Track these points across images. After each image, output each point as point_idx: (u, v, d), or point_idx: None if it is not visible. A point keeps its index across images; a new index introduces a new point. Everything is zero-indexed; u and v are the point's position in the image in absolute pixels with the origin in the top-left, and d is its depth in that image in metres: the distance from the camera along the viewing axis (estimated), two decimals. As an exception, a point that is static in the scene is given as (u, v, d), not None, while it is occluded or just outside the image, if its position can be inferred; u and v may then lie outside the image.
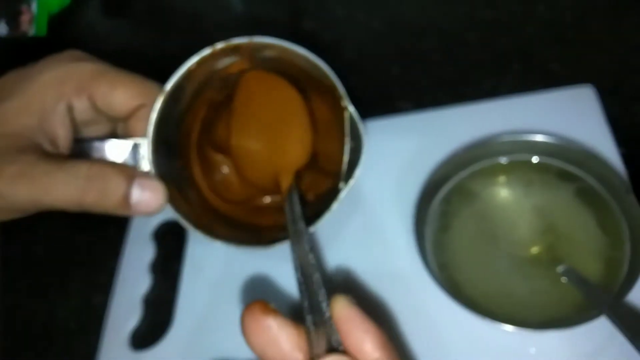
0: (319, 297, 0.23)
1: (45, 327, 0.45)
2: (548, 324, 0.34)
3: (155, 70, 0.33)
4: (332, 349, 0.22)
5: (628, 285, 0.32)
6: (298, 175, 0.35)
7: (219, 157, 0.38)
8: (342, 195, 0.33)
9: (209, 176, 0.38)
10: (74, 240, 0.49)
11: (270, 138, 0.36)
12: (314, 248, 0.39)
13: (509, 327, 0.32)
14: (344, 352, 0.22)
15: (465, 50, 0.51)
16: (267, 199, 0.38)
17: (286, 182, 0.34)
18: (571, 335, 0.34)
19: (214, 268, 0.43)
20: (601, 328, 0.32)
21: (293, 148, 0.36)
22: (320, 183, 0.37)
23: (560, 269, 0.35)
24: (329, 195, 0.34)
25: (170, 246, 0.45)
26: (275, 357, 0.23)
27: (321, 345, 0.22)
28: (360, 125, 0.33)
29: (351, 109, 0.33)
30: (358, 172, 0.33)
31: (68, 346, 0.43)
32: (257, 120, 0.36)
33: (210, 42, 0.32)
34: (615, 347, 0.33)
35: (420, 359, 0.35)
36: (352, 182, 0.33)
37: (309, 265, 0.25)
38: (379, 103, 0.49)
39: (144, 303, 0.43)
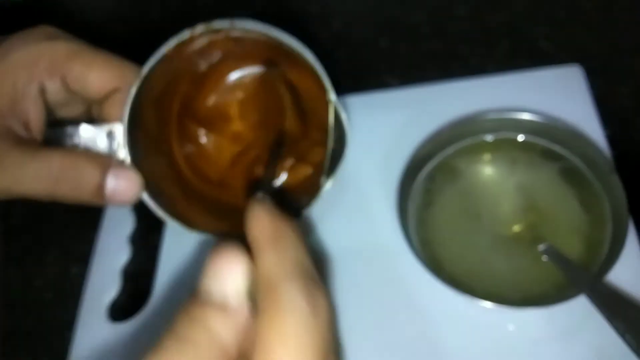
0: None
1: (21, 296, 0.44)
2: (527, 301, 0.34)
3: (139, 40, 0.32)
4: None
5: (608, 265, 0.33)
6: (280, 156, 0.35)
7: (201, 130, 0.37)
8: (323, 192, 0.33)
9: (190, 152, 0.37)
10: (52, 210, 0.48)
11: (254, 130, 0.36)
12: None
13: (488, 304, 0.33)
14: None
15: (455, 25, 0.51)
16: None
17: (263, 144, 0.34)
18: (550, 313, 0.34)
19: (194, 240, 0.42)
20: (580, 307, 0.33)
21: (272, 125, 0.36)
22: (302, 169, 0.36)
23: (541, 247, 0.35)
24: (310, 185, 0.34)
25: (150, 218, 0.44)
26: None
27: None
28: (345, 120, 0.32)
29: (336, 102, 0.32)
30: (339, 170, 0.33)
31: (44, 316, 0.43)
32: (242, 117, 0.37)
33: (194, 10, 0.31)
34: (594, 326, 0.33)
35: (400, 334, 0.36)
36: (331, 182, 0.33)
37: None
38: (365, 77, 0.49)
39: (123, 275, 0.42)
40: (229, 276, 0.22)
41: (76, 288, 0.42)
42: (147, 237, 0.44)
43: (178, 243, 0.43)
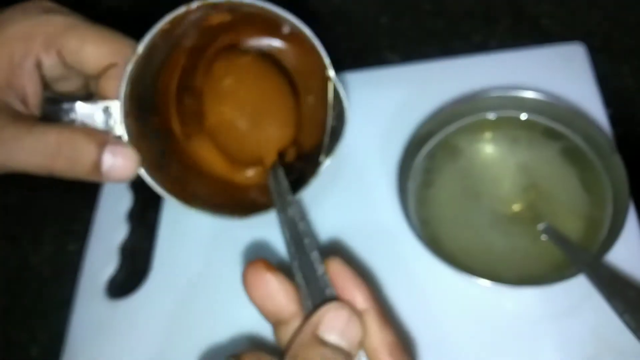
0: (310, 257, 0.25)
1: (19, 273, 0.44)
2: (526, 280, 0.34)
3: (136, 16, 0.31)
4: (326, 300, 0.24)
5: (608, 245, 0.33)
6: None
7: (199, 106, 0.37)
8: (322, 169, 0.32)
9: (188, 128, 0.36)
10: (49, 188, 0.48)
11: (253, 117, 0.35)
12: (304, 216, 0.39)
13: (487, 283, 0.33)
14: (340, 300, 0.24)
15: (456, 2, 0.50)
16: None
17: (269, 160, 0.34)
18: (548, 292, 0.34)
19: (192, 217, 0.42)
20: (578, 287, 0.33)
21: (277, 129, 0.35)
22: (303, 144, 0.36)
23: (540, 226, 0.35)
24: (309, 161, 0.33)
25: (148, 195, 0.44)
26: (274, 309, 0.25)
27: (315, 297, 0.24)
28: (345, 97, 0.32)
29: (335, 79, 0.31)
30: (338, 147, 0.32)
31: (42, 292, 0.43)
32: (239, 98, 0.35)
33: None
34: (592, 306, 0.33)
35: (399, 312, 0.36)
36: (330, 159, 0.32)
37: (297, 232, 0.27)
38: (366, 54, 0.48)
39: (121, 252, 0.42)
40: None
41: (74, 265, 0.42)
42: (144, 215, 0.44)
43: (176, 220, 0.42)
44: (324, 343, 0.23)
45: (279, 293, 0.25)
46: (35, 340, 0.42)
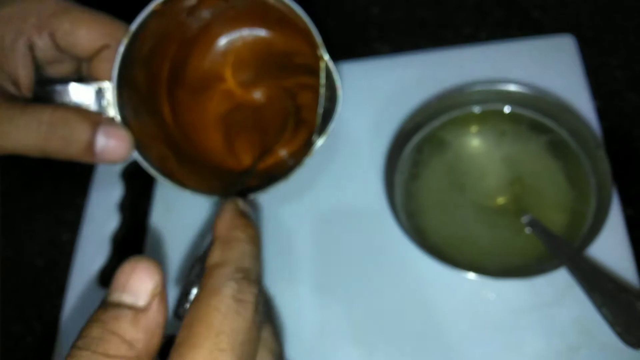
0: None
1: (13, 263, 0.44)
2: (509, 272, 0.34)
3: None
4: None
5: (590, 239, 0.33)
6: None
7: (192, 93, 0.37)
8: (315, 148, 0.32)
9: (180, 113, 0.37)
10: (41, 177, 0.48)
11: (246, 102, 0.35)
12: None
13: (470, 275, 0.33)
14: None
15: (448, -8, 0.50)
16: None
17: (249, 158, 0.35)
18: (530, 284, 0.35)
19: (184, 207, 0.43)
20: (560, 279, 0.33)
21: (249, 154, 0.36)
22: (296, 138, 0.36)
23: (524, 219, 0.36)
24: (303, 149, 0.33)
25: (139, 185, 0.45)
26: None
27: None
28: (337, 76, 0.32)
29: (327, 58, 0.32)
30: (332, 126, 0.32)
31: (36, 282, 0.43)
32: (230, 83, 0.36)
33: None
34: (573, 298, 0.34)
35: (384, 303, 0.36)
36: (324, 137, 0.32)
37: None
38: (356, 45, 0.48)
39: (113, 241, 0.42)
40: (136, 282, 0.22)
41: (67, 254, 0.42)
42: (136, 204, 0.44)
43: (167, 210, 0.43)
44: None
45: None
46: (30, 329, 0.43)
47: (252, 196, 0.33)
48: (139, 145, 0.31)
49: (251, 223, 0.27)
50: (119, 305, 0.21)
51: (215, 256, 0.25)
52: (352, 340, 0.36)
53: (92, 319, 0.21)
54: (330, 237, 0.39)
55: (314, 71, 0.32)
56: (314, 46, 0.32)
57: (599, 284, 0.31)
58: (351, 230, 0.39)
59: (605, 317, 0.30)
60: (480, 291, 0.36)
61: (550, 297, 0.35)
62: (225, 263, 0.24)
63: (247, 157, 0.37)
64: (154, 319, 0.21)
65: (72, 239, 0.43)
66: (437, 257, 0.34)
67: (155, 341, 0.21)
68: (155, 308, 0.21)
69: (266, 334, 0.26)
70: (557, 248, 0.34)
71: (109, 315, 0.21)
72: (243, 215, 0.27)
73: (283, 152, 0.36)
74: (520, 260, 0.35)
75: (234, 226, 0.26)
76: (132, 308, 0.21)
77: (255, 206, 0.41)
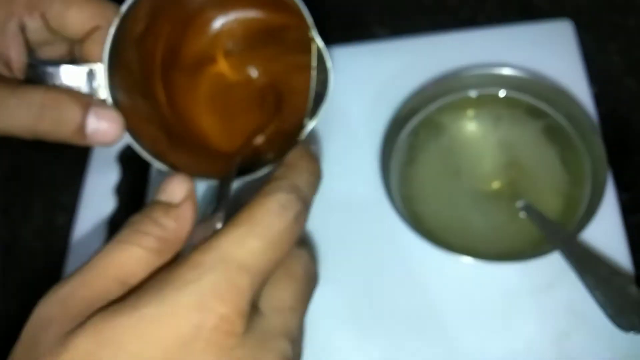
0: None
1: (9, 247, 0.45)
2: (504, 256, 0.35)
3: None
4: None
5: (584, 223, 0.33)
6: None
7: (186, 75, 0.37)
8: (307, 131, 0.32)
9: (173, 95, 0.36)
10: (34, 160, 0.48)
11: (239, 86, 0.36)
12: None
13: (465, 259, 0.33)
14: None
15: (446, -24, 0.49)
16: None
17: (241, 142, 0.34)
18: (525, 268, 0.35)
19: (180, 192, 0.43)
20: (555, 263, 0.33)
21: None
22: (289, 121, 0.36)
23: (519, 204, 0.36)
24: (295, 131, 0.33)
25: (135, 169, 0.44)
26: None
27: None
28: (328, 58, 0.32)
29: (318, 40, 0.31)
30: (323, 109, 0.32)
31: (33, 266, 0.44)
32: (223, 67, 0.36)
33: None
34: (567, 282, 0.34)
35: (379, 288, 0.37)
36: (315, 120, 0.32)
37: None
38: (354, 28, 0.48)
39: (109, 226, 0.42)
40: (172, 186, 0.27)
41: (63, 238, 0.42)
42: (132, 188, 0.44)
43: (163, 195, 0.43)
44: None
45: None
46: (27, 314, 0.43)
47: (246, 179, 0.33)
48: (130, 128, 0.31)
49: (317, 162, 0.29)
50: (158, 202, 0.26)
51: (278, 172, 0.27)
52: (348, 324, 0.36)
53: (137, 213, 0.26)
54: (325, 222, 0.39)
55: (306, 53, 0.32)
56: (306, 28, 0.31)
57: (592, 268, 0.31)
58: (347, 215, 0.39)
59: (597, 300, 0.30)
60: (475, 275, 0.36)
61: (544, 281, 0.35)
62: (284, 178, 0.27)
63: (240, 139, 0.37)
64: (183, 213, 0.26)
65: (68, 223, 0.43)
66: (433, 241, 0.34)
67: (185, 230, 0.26)
68: (185, 206, 0.26)
69: (304, 253, 0.29)
70: (550, 232, 0.34)
71: (148, 207, 0.26)
72: (312, 155, 0.30)
73: (275, 135, 0.36)
74: (515, 245, 0.35)
75: (302, 156, 0.29)
76: (167, 204, 0.26)
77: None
